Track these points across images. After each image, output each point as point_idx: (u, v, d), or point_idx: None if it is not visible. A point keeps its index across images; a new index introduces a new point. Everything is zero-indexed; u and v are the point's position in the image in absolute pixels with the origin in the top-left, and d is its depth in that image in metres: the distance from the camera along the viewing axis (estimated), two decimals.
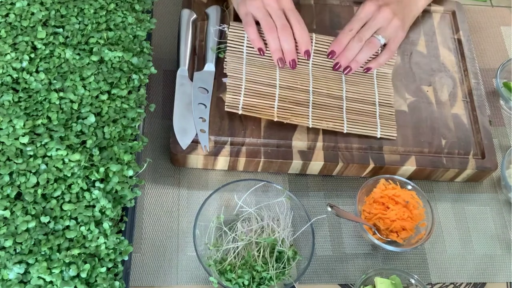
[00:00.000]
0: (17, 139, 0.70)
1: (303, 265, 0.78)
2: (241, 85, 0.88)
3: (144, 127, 0.89)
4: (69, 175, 0.69)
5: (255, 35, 0.90)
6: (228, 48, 0.92)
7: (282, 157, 0.85)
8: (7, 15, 0.80)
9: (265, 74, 0.90)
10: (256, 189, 0.83)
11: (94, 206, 0.69)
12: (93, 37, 0.80)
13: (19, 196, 0.68)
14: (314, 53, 0.92)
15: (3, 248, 0.64)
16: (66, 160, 0.70)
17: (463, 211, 0.90)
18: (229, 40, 0.92)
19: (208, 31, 0.94)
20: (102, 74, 0.78)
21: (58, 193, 0.68)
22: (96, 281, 0.64)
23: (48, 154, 0.70)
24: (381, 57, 0.93)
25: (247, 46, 0.92)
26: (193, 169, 0.88)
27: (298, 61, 0.91)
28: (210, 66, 0.91)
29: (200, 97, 0.88)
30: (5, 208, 0.66)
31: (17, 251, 0.64)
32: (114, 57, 0.79)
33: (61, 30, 0.80)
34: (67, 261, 0.64)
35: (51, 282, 0.63)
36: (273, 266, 0.77)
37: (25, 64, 0.76)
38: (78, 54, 0.78)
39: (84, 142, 0.72)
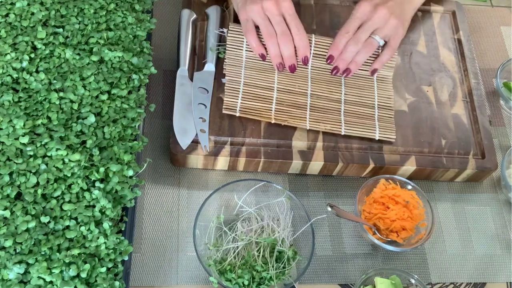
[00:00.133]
0: (17, 139, 0.70)
1: (303, 265, 0.78)
2: (239, 88, 0.88)
3: (144, 127, 0.89)
4: (69, 175, 0.69)
5: (256, 42, 0.90)
6: (227, 51, 0.92)
7: (282, 157, 0.85)
8: (7, 15, 0.80)
9: (263, 77, 0.90)
10: (256, 189, 0.83)
11: (94, 206, 0.69)
12: (93, 37, 0.80)
13: (19, 196, 0.68)
14: (313, 56, 0.92)
15: (3, 248, 0.64)
16: (66, 160, 0.70)
17: (463, 211, 0.90)
18: (228, 44, 0.92)
19: (208, 31, 0.94)
20: (102, 74, 0.78)
21: (58, 193, 0.68)
22: (96, 281, 0.64)
23: (48, 154, 0.70)
24: (383, 56, 0.92)
25: (246, 50, 0.92)
26: (193, 169, 0.88)
27: (297, 65, 0.91)
28: (210, 66, 0.91)
29: (200, 97, 0.88)
30: (5, 208, 0.66)
31: (17, 251, 0.64)
32: (114, 57, 0.79)
33: (61, 30, 0.80)
34: (67, 261, 0.64)
35: (51, 282, 0.63)
36: (273, 266, 0.77)
37: (25, 64, 0.76)
38: (78, 54, 0.78)
39: (84, 142, 0.72)
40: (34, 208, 0.66)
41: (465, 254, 0.86)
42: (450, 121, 0.92)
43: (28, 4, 0.81)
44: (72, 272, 0.63)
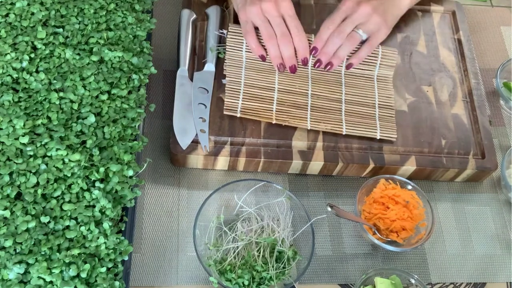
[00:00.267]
0: (17, 139, 0.70)
1: (303, 265, 0.78)
2: (240, 88, 0.88)
3: (144, 127, 0.89)
4: (69, 175, 0.69)
5: (255, 43, 0.90)
6: (227, 51, 0.92)
7: (282, 157, 0.85)
8: (7, 15, 0.80)
9: (263, 78, 0.90)
10: (256, 189, 0.83)
11: (94, 206, 0.69)
12: (93, 37, 0.80)
13: (19, 196, 0.68)
14: (313, 56, 0.92)
15: (3, 248, 0.64)
16: (66, 160, 0.70)
17: (463, 211, 0.90)
18: (228, 44, 0.92)
19: (208, 31, 0.94)
20: (102, 74, 0.78)
21: (58, 193, 0.68)
22: (96, 281, 0.64)
23: (48, 154, 0.70)
24: (361, 52, 0.92)
25: (246, 51, 0.92)
26: (193, 169, 0.88)
27: (298, 65, 0.92)
28: (210, 66, 0.91)
29: (200, 97, 0.88)
30: (5, 208, 0.66)
31: (17, 251, 0.64)
32: (114, 57, 0.79)
33: (61, 30, 0.80)
34: (67, 261, 0.64)
35: (51, 282, 0.63)
36: (273, 266, 0.77)
37: (25, 64, 0.76)
38: (78, 54, 0.78)
39: (84, 142, 0.72)
40: (34, 208, 0.66)
41: (465, 254, 0.86)
42: (450, 121, 0.92)
43: (28, 4, 0.81)
44: (72, 272, 0.63)
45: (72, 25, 0.81)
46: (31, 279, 0.63)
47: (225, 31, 0.93)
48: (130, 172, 0.72)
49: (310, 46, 0.92)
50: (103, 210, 0.68)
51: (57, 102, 0.74)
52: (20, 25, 0.79)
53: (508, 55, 1.07)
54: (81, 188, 0.69)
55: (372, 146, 0.88)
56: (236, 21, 0.95)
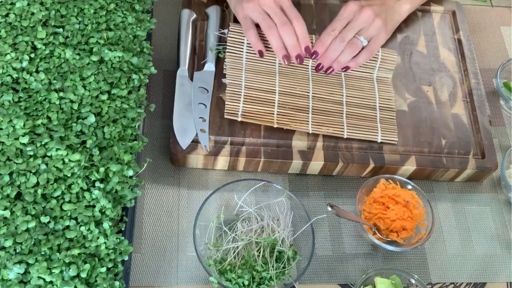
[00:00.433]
0: (17, 139, 0.70)
1: (303, 265, 0.78)
2: (241, 92, 0.88)
3: (144, 127, 0.89)
4: (69, 175, 0.69)
5: (255, 38, 0.90)
6: (227, 53, 0.91)
7: (282, 157, 0.85)
8: (7, 15, 0.80)
9: (264, 80, 0.90)
10: (256, 189, 0.83)
11: (94, 206, 0.69)
12: (93, 37, 0.80)
13: (19, 196, 0.68)
14: (313, 60, 0.92)
15: (3, 248, 0.64)
16: (66, 160, 0.70)
17: (463, 211, 0.90)
18: (228, 45, 0.92)
19: (208, 31, 0.94)
20: (102, 74, 0.78)
21: (58, 193, 0.68)
22: (96, 281, 0.64)
23: (48, 154, 0.70)
24: (359, 57, 0.92)
25: (246, 52, 0.92)
26: (193, 169, 0.88)
27: (297, 67, 0.91)
28: (210, 66, 0.91)
29: (200, 97, 0.88)
30: (5, 208, 0.66)
31: (17, 251, 0.64)
32: (114, 57, 0.79)
33: (61, 30, 0.80)
34: (67, 261, 0.64)
35: (51, 282, 0.63)
36: (273, 266, 0.77)
37: (25, 64, 0.76)
38: (78, 54, 0.78)
39: (84, 142, 0.72)
40: (34, 208, 0.66)
41: (465, 254, 0.86)
42: (450, 121, 0.92)
43: (28, 4, 0.81)
44: (72, 272, 0.63)
45: (72, 25, 0.81)
46: (31, 279, 0.63)
47: (225, 31, 0.93)
48: (130, 172, 0.72)
49: (312, 44, 0.92)
50: (103, 210, 0.68)
51: (57, 102, 0.74)
52: (20, 25, 0.79)
53: (508, 55, 1.07)
54: (81, 188, 0.69)
55: (372, 146, 0.88)
56: (236, 21, 0.95)
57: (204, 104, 0.87)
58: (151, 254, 0.81)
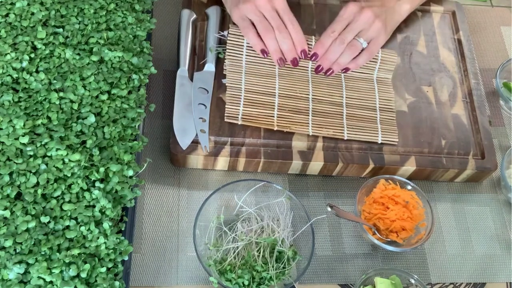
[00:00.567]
0: (17, 139, 0.70)
1: (303, 265, 0.78)
2: (240, 95, 0.88)
3: (144, 127, 0.89)
4: (69, 175, 0.69)
5: (256, 38, 0.90)
6: (227, 56, 0.91)
7: (282, 158, 0.85)
8: (7, 15, 0.80)
9: (264, 83, 0.90)
10: (256, 189, 0.83)
11: (94, 206, 0.69)
12: (93, 37, 0.80)
13: (19, 196, 0.68)
14: (313, 61, 0.92)
15: (3, 248, 0.64)
16: (66, 160, 0.70)
17: (463, 211, 0.90)
18: (228, 48, 0.92)
19: (208, 31, 0.94)
20: (102, 74, 0.78)
21: (58, 193, 0.68)
22: (96, 281, 0.64)
23: (48, 154, 0.70)
24: (359, 59, 0.92)
25: (246, 55, 0.92)
26: (193, 169, 0.88)
27: (297, 69, 0.91)
28: (210, 66, 0.91)
29: (200, 97, 0.88)
30: (5, 208, 0.66)
31: (17, 251, 0.64)
32: (114, 57, 0.79)
33: (61, 30, 0.80)
34: (67, 261, 0.64)
35: (51, 282, 0.63)
36: (273, 266, 0.77)
37: (25, 64, 0.76)
38: (78, 54, 0.78)
39: (84, 142, 0.72)
40: (34, 208, 0.66)
41: (465, 254, 0.86)
42: (450, 121, 0.92)
43: (28, 4, 0.81)
44: (72, 272, 0.63)
45: (72, 25, 0.81)
46: (31, 279, 0.63)
47: (225, 33, 0.93)
48: (130, 172, 0.72)
49: (312, 45, 0.92)
50: (103, 210, 0.68)
51: (57, 102, 0.74)
52: (20, 25, 0.79)
53: (508, 55, 1.07)
54: (81, 188, 0.69)
55: (372, 146, 0.88)
56: None
57: (204, 105, 0.87)
58: (151, 254, 0.81)
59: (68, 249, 0.65)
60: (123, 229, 0.71)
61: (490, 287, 0.84)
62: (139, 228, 0.83)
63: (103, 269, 0.65)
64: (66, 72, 0.77)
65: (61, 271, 0.63)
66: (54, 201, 0.67)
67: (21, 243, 0.64)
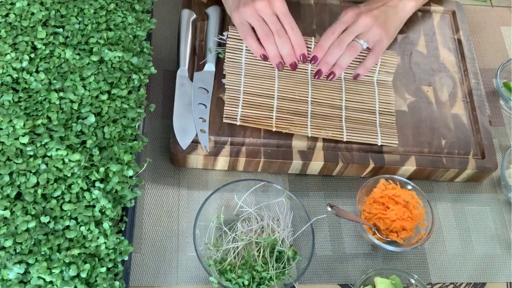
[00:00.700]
0: (17, 139, 0.70)
1: (303, 265, 0.78)
2: (239, 96, 0.88)
3: (144, 127, 0.89)
4: (69, 175, 0.69)
5: (255, 44, 0.90)
6: (226, 58, 0.91)
7: (282, 157, 0.85)
8: (7, 15, 0.80)
9: (263, 85, 0.90)
10: (256, 189, 0.83)
11: (94, 206, 0.69)
12: (93, 37, 0.80)
13: (19, 196, 0.68)
14: (313, 65, 0.92)
15: (3, 248, 0.64)
16: (66, 160, 0.70)
17: (463, 211, 0.90)
18: (227, 51, 0.91)
19: (208, 31, 0.94)
20: (102, 74, 0.78)
21: (58, 193, 0.68)
22: (96, 281, 0.64)
23: (48, 154, 0.70)
24: (367, 62, 0.92)
25: (245, 57, 0.91)
26: (193, 169, 0.88)
27: (297, 71, 0.91)
28: (210, 66, 0.91)
29: (200, 97, 0.88)
30: (5, 208, 0.66)
31: (17, 251, 0.64)
32: (114, 57, 0.79)
33: (61, 30, 0.80)
34: (67, 261, 0.64)
35: (51, 282, 0.63)
36: (273, 266, 0.77)
37: (25, 64, 0.76)
38: (78, 54, 0.78)
39: (84, 142, 0.72)
40: (34, 208, 0.66)
41: (465, 254, 0.86)
42: (450, 121, 0.92)
43: (28, 4, 0.81)
44: (72, 272, 0.63)
45: (72, 25, 0.81)
46: (31, 279, 0.63)
47: (225, 36, 0.93)
48: (130, 172, 0.72)
49: (312, 47, 0.92)
50: (103, 210, 0.68)
51: (57, 102, 0.74)
52: (20, 25, 0.79)
53: (508, 55, 1.07)
54: (81, 188, 0.69)
55: (372, 146, 0.88)
56: None
57: (204, 105, 0.87)
58: (151, 254, 0.81)
59: (68, 249, 0.65)
60: (123, 229, 0.71)
61: (490, 287, 0.84)
62: (139, 228, 0.83)
63: (103, 269, 0.65)
64: (66, 72, 0.77)
65: (61, 271, 0.63)
66: (54, 201, 0.67)
67: (21, 243, 0.64)
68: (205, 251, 0.79)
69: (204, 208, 0.79)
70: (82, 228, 0.67)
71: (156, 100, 0.93)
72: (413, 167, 0.87)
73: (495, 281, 0.85)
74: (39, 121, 0.72)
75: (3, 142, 0.70)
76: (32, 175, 0.68)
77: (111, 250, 0.67)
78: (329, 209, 0.79)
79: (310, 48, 0.92)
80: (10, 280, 0.62)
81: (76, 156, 0.69)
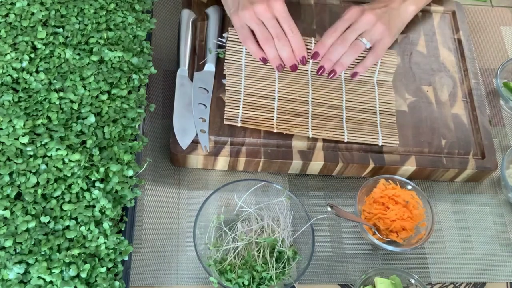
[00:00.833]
0: (17, 139, 0.70)
1: (303, 265, 0.78)
2: (240, 98, 0.88)
3: (144, 127, 0.89)
4: (69, 175, 0.69)
5: (255, 48, 0.89)
6: (226, 59, 0.91)
7: (282, 157, 0.85)
8: (7, 15, 0.80)
9: (263, 86, 0.90)
10: (256, 189, 0.83)
11: (94, 206, 0.69)
12: (93, 37, 0.80)
13: (19, 196, 0.68)
14: (313, 61, 0.92)
15: (3, 248, 0.64)
16: (66, 160, 0.70)
17: (463, 211, 0.90)
18: (227, 52, 0.91)
19: (208, 31, 0.94)
20: (102, 74, 0.78)
21: (58, 193, 0.68)
22: (96, 281, 0.64)
23: (48, 154, 0.70)
24: (366, 61, 0.92)
25: (245, 59, 0.91)
26: (193, 169, 0.88)
27: (297, 72, 0.91)
28: (210, 66, 0.91)
29: (200, 97, 0.88)
30: (5, 208, 0.66)
31: (17, 251, 0.64)
32: (114, 57, 0.79)
33: (61, 30, 0.80)
34: (67, 261, 0.64)
35: (51, 282, 0.63)
36: (273, 266, 0.77)
37: (25, 64, 0.76)
38: (78, 54, 0.78)
39: (84, 142, 0.72)
40: (34, 208, 0.66)
41: (465, 254, 0.86)
42: (450, 121, 0.92)
43: (28, 4, 0.81)
44: (72, 272, 0.63)
45: (72, 25, 0.81)
46: (31, 279, 0.63)
47: (224, 40, 0.93)
48: (130, 172, 0.72)
49: (312, 47, 0.92)
50: (103, 210, 0.68)
51: (57, 102, 0.74)
52: (20, 25, 0.79)
53: (508, 55, 1.07)
54: (81, 188, 0.69)
55: (372, 146, 0.88)
56: None
57: (204, 105, 0.87)
58: (151, 254, 0.81)
59: (68, 249, 0.65)
60: (123, 229, 0.71)
61: (490, 287, 0.84)
62: (139, 228, 0.83)
63: (103, 269, 0.65)
64: (66, 72, 0.77)
65: (61, 271, 0.63)
66: (54, 201, 0.67)
67: (21, 243, 0.64)
68: (205, 251, 0.79)
69: (204, 208, 0.79)
70: (82, 228, 0.67)
71: (156, 100, 0.93)
72: (413, 167, 0.87)
73: (495, 281, 0.85)
74: (39, 121, 0.72)
75: (3, 142, 0.70)
76: (32, 175, 0.68)
77: (111, 250, 0.67)
78: (329, 209, 0.79)
79: (310, 48, 0.92)
80: (10, 280, 0.62)
81: (76, 156, 0.69)
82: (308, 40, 0.93)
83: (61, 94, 0.75)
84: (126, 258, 0.67)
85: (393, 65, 0.94)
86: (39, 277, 0.63)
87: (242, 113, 0.87)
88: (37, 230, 0.65)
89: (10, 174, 0.68)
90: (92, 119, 0.73)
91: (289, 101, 0.89)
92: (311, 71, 0.92)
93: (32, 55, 0.77)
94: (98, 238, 0.67)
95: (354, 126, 0.88)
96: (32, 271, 0.63)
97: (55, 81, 0.75)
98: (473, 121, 0.93)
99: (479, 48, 1.07)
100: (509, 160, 0.91)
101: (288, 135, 0.87)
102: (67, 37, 0.80)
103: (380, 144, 0.87)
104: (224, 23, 0.96)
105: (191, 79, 0.89)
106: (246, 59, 0.91)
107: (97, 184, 0.69)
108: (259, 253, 0.79)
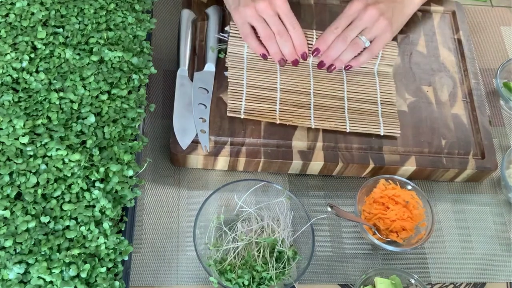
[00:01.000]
0: (17, 139, 0.70)
1: (303, 265, 0.78)
2: (242, 90, 0.88)
3: (144, 127, 0.89)
4: (69, 175, 0.69)
5: (256, 44, 0.90)
6: (229, 52, 0.92)
7: (282, 157, 0.85)
8: (7, 15, 0.80)
9: (266, 78, 0.90)
10: (256, 189, 0.83)
11: (94, 206, 0.69)
12: (93, 37, 0.80)
13: (19, 196, 0.68)
14: (314, 56, 0.92)
15: (3, 248, 0.64)
16: (66, 160, 0.70)
17: (463, 211, 0.90)
18: (229, 45, 0.92)
19: (208, 31, 0.94)
20: (102, 74, 0.78)
21: (58, 193, 0.68)
22: (96, 281, 0.64)
23: (48, 154, 0.70)
24: (361, 57, 0.92)
25: (247, 52, 0.92)
26: (193, 169, 0.88)
27: (298, 64, 0.92)
28: (210, 66, 0.91)
29: (200, 97, 0.88)
30: (5, 208, 0.66)
31: (17, 251, 0.64)
32: (114, 57, 0.79)
33: (61, 30, 0.80)
34: (67, 261, 0.64)
35: (51, 282, 0.63)
36: (273, 266, 0.77)
37: (25, 64, 0.76)
38: (78, 54, 0.78)
39: (84, 142, 0.72)
40: (34, 208, 0.66)
41: (465, 254, 0.86)
42: (450, 121, 0.92)
43: (28, 4, 0.81)
44: (72, 272, 0.63)
45: (72, 25, 0.81)
46: (31, 279, 0.63)
47: (226, 36, 0.93)
48: (130, 172, 0.72)
49: (313, 41, 0.92)
50: (103, 210, 0.68)
51: (57, 102, 0.74)
52: (20, 25, 0.79)
53: (508, 55, 1.07)
54: (81, 188, 0.69)
55: (372, 146, 0.88)
56: None
57: (204, 105, 0.87)
58: (151, 254, 0.81)
59: (68, 249, 0.65)
60: (123, 229, 0.71)
61: (490, 287, 0.84)
62: (139, 228, 0.83)
63: (103, 269, 0.65)
64: (66, 72, 0.77)
65: (61, 271, 0.63)
66: (54, 201, 0.67)
67: (21, 243, 0.64)
68: (205, 251, 0.79)
69: (204, 208, 0.79)
70: (82, 228, 0.67)
71: (156, 100, 0.93)
72: (413, 167, 0.87)
73: (495, 281, 0.85)
74: (39, 121, 0.72)
75: (3, 142, 0.70)
76: (32, 175, 0.68)
77: (111, 250, 0.67)
78: (329, 209, 0.79)
79: (311, 42, 0.92)
80: (10, 280, 0.62)
81: (76, 156, 0.69)
82: (309, 32, 0.93)
83: (61, 94, 0.75)
84: (126, 258, 0.67)
85: (393, 55, 0.94)
86: (39, 277, 0.63)
87: (245, 105, 0.87)
88: (37, 230, 0.65)
89: (10, 174, 0.68)
90: (92, 119, 0.73)
91: (291, 93, 0.89)
92: (312, 63, 0.93)
93: (32, 55, 0.77)
94: (98, 238, 0.67)
95: (356, 116, 0.89)
96: (32, 271, 0.63)
97: (55, 81, 0.75)
98: (473, 121, 0.93)
99: (479, 48, 1.07)
100: (509, 160, 0.91)
101: (288, 135, 0.87)
102: (67, 37, 0.80)
103: (382, 133, 0.88)
104: (224, 23, 0.96)
105: (191, 79, 0.90)
106: (248, 52, 0.92)
107: (97, 184, 0.69)
108: (259, 253, 0.79)
